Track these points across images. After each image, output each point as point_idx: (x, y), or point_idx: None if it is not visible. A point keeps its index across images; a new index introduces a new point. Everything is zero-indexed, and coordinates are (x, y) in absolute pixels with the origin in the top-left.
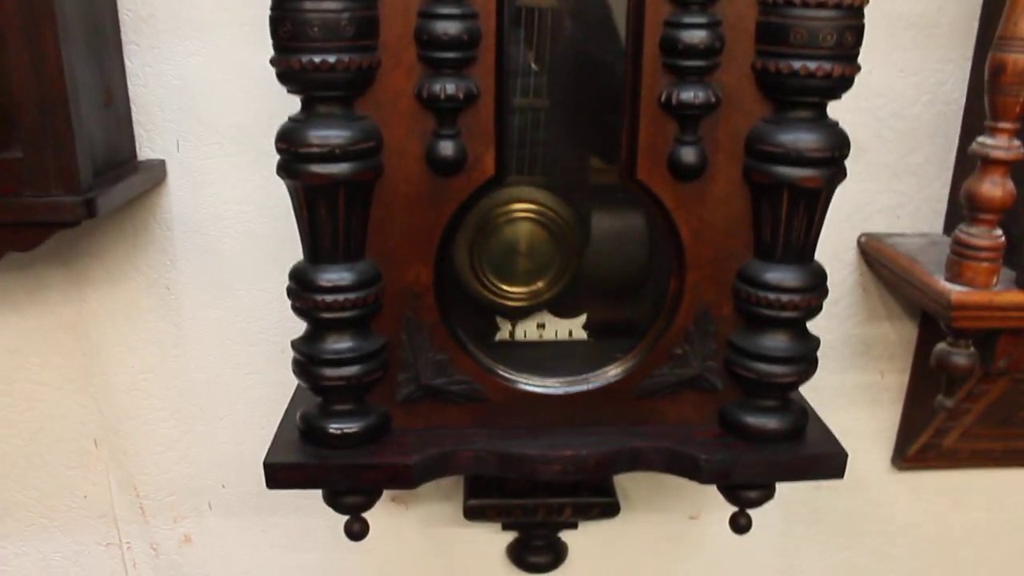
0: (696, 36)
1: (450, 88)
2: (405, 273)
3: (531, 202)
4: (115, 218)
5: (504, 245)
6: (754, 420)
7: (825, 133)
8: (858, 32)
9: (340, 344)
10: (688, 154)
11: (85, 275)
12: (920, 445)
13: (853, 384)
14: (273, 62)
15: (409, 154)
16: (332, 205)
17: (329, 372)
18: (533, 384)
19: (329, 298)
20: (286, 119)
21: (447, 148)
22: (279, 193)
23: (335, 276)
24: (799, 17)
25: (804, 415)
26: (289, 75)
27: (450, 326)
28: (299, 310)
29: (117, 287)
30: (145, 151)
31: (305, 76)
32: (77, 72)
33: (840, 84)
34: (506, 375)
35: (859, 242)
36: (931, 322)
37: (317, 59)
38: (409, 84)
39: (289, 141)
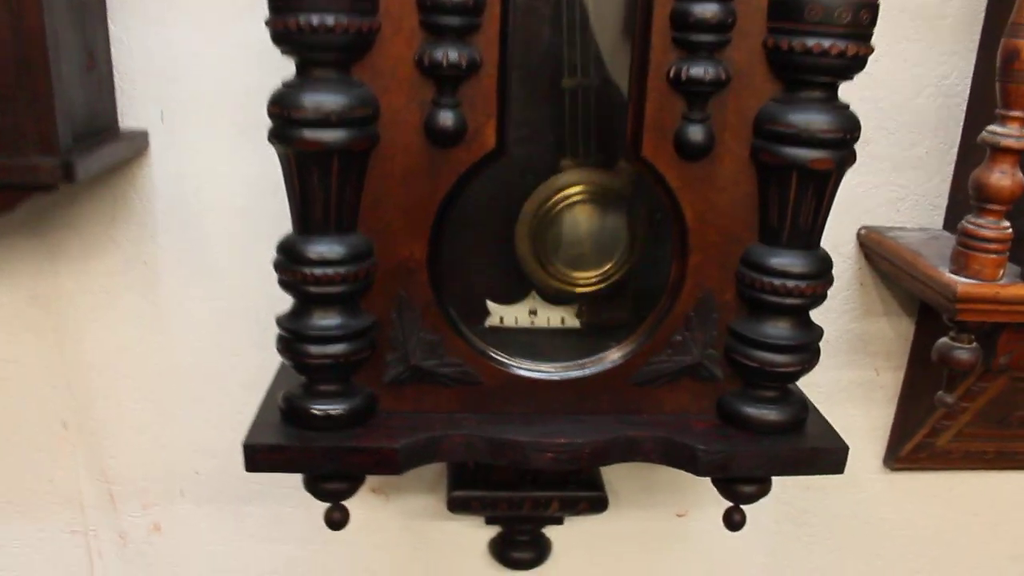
0: (708, 10)
1: (452, 55)
2: (399, 249)
3: (587, 184)
4: (93, 188)
5: (567, 232)
6: (754, 411)
7: (837, 114)
8: (873, 11)
9: (327, 320)
10: (695, 132)
11: (60, 247)
12: (913, 445)
13: (848, 381)
14: (268, 22)
15: (407, 124)
16: (325, 174)
17: (314, 350)
18: (527, 368)
19: (318, 271)
20: (279, 84)
21: (447, 118)
22: (266, 168)
23: (325, 249)
24: None
25: (805, 407)
26: (284, 36)
27: (443, 306)
28: (286, 283)
29: (93, 261)
30: (128, 120)
31: (301, 38)
32: (59, 32)
33: (854, 64)
34: (499, 358)
35: (859, 235)
36: (929, 318)
37: (315, 20)
38: (409, 51)
39: (282, 105)
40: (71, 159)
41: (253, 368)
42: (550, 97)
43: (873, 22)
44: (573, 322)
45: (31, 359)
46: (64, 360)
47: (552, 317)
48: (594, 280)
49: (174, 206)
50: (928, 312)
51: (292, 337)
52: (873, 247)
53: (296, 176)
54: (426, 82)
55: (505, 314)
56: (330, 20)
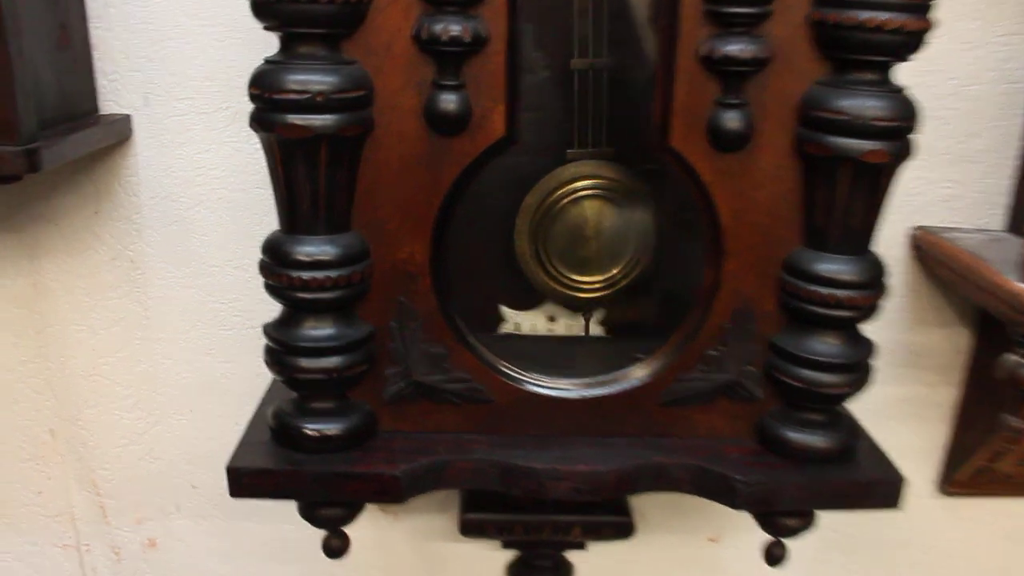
0: None
1: (455, 29)
2: (397, 249)
3: (597, 177)
4: (74, 179)
5: (571, 230)
6: (797, 436)
7: (892, 99)
8: None
9: (319, 330)
10: (731, 119)
11: (39, 243)
12: (973, 469)
13: (898, 397)
14: None
15: (405, 107)
16: (312, 164)
17: (306, 363)
18: (543, 385)
19: (307, 275)
20: (262, 61)
21: (449, 101)
22: (261, 157)
23: (315, 249)
24: None
25: (855, 432)
26: (265, 8)
27: (448, 314)
28: (272, 288)
29: (75, 258)
30: (108, 104)
31: (284, 9)
32: (21, 1)
33: (911, 41)
34: (512, 373)
35: (912, 236)
36: (990, 330)
37: None
38: (407, 23)
39: (263, 86)
40: (36, 147)
41: (249, 375)
42: (557, 79)
43: None
44: (596, 329)
45: (13, 363)
46: (48, 365)
47: (573, 324)
48: (599, 285)
49: (161, 198)
50: (989, 323)
51: (281, 348)
52: (927, 250)
53: (280, 165)
54: (426, 60)
55: (521, 321)
56: None
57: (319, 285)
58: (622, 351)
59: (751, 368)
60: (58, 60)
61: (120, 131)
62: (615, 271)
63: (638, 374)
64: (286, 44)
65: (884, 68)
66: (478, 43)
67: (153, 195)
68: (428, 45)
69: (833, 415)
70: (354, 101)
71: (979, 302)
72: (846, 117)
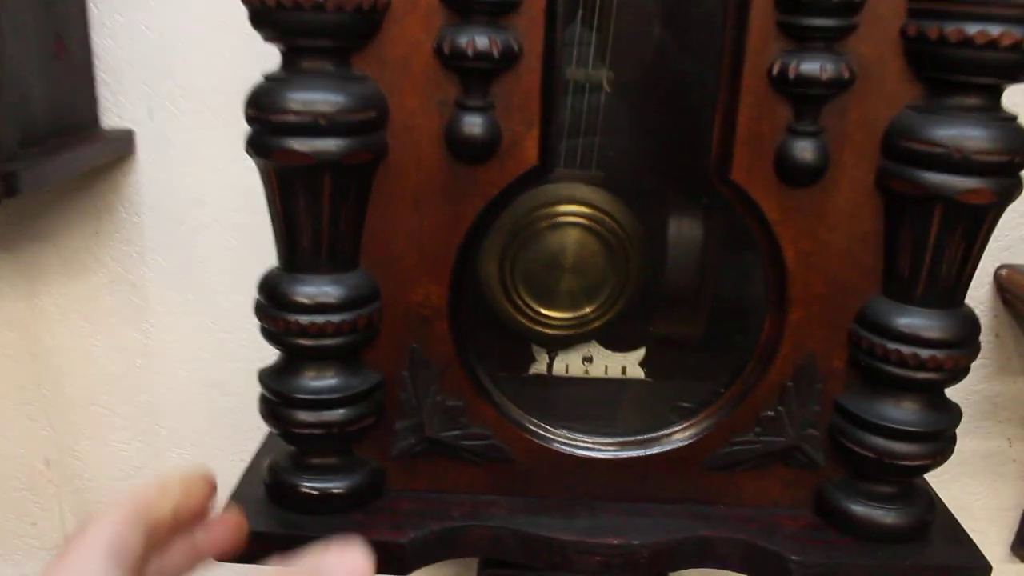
0: None
1: (482, 42)
2: (412, 290)
3: (583, 204)
4: (73, 197)
5: (545, 258)
6: (864, 510)
7: (1001, 129)
8: None
9: (321, 380)
10: (804, 149)
11: (36, 264)
12: None
13: (973, 451)
14: None
15: (423, 131)
16: (315, 195)
17: (305, 416)
18: (573, 444)
19: (307, 319)
20: (261, 78)
21: (475, 125)
22: None
23: (316, 290)
24: None
25: (931, 507)
26: (263, 16)
27: (467, 363)
28: (269, 333)
29: (74, 281)
30: (111, 117)
31: (285, 17)
32: (8, 6)
33: None
34: (538, 430)
35: (997, 275)
36: None
37: None
38: (427, 35)
39: (260, 106)
40: (14, 169)
41: (255, 408)
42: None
43: None
44: (637, 372)
45: (7, 389)
46: (43, 392)
47: (611, 366)
48: (567, 322)
49: (166, 220)
50: None
51: (278, 399)
52: (1016, 291)
53: (278, 197)
54: (449, 77)
55: (555, 361)
56: None
57: (321, 331)
58: (664, 398)
59: (812, 432)
60: (52, 71)
61: (122, 147)
62: (588, 310)
63: (682, 434)
64: (288, 58)
65: (992, 92)
66: (509, 58)
67: (157, 216)
68: (451, 60)
69: (906, 487)
70: (364, 124)
71: None
72: (943, 149)
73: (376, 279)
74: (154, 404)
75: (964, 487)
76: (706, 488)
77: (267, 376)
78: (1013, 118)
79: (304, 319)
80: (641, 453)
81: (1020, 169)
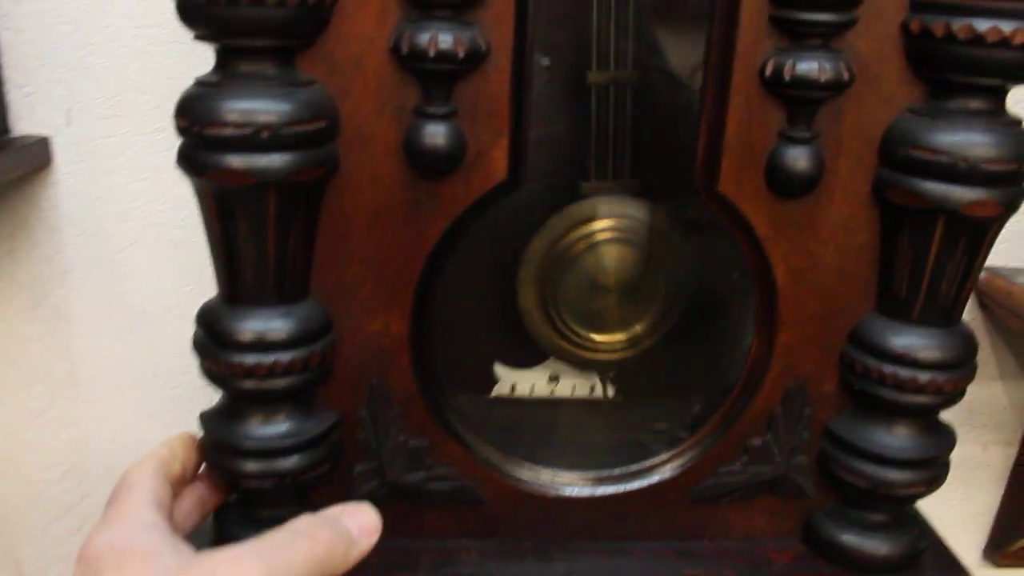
0: None
1: (445, 40)
2: (369, 320)
3: (619, 217)
4: None
5: (587, 280)
6: (855, 539)
7: (1008, 135)
8: None
9: (271, 427)
10: (797, 157)
11: None
12: None
13: None
14: None
15: (379, 141)
16: (259, 218)
17: (254, 466)
18: (548, 481)
19: (253, 359)
20: (192, 82)
21: (437, 134)
22: None
23: (263, 325)
24: None
25: (924, 534)
26: (193, 10)
27: (432, 398)
28: (211, 374)
29: None
30: (22, 123)
31: (218, 13)
32: None
33: None
34: (509, 468)
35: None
36: None
37: None
38: (382, 32)
39: (193, 116)
40: None
41: None
42: (570, 96)
43: None
44: (607, 391)
45: None
46: None
47: (579, 385)
48: (620, 346)
49: (89, 236)
50: None
51: (222, 448)
52: (994, 296)
53: (216, 221)
54: (407, 80)
55: (518, 381)
56: None
57: (269, 371)
58: (638, 418)
59: (802, 458)
60: None
61: (36, 156)
62: (639, 329)
63: (664, 467)
64: (223, 60)
65: (997, 94)
66: (475, 58)
67: (79, 232)
68: (410, 61)
69: (899, 515)
70: (313, 135)
71: None
72: (947, 157)
73: (329, 309)
74: (82, 438)
75: (937, 493)
76: (690, 522)
77: (210, 421)
78: (1018, 122)
79: (250, 359)
80: (621, 489)
81: (1009, 178)
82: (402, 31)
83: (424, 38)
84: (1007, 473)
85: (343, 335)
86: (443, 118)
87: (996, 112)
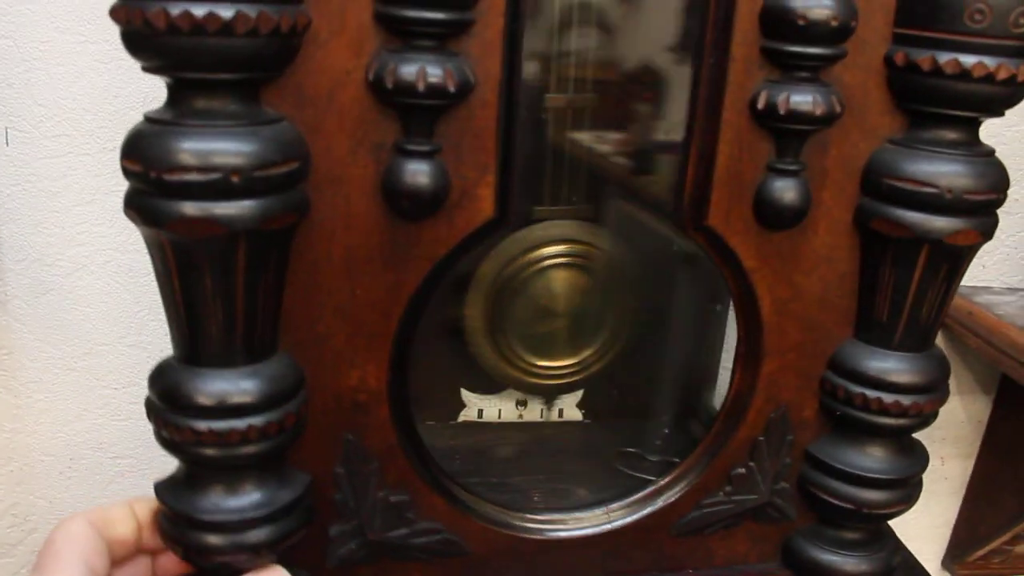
0: (819, 5)
1: (435, 73)
2: (344, 373)
3: (571, 242)
4: None
5: (536, 305)
6: (831, 558)
7: (987, 166)
8: None
9: (239, 498)
10: (786, 189)
11: None
12: (987, 551)
13: None
14: (114, 13)
15: (354, 182)
16: (226, 271)
17: (218, 541)
18: (533, 525)
19: (220, 426)
20: (141, 118)
21: (419, 173)
22: None
23: (230, 387)
24: None
25: (897, 550)
26: (144, 40)
27: (412, 450)
28: (169, 443)
29: None
30: None
31: (176, 44)
32: None
33: (1017, 93)
34: (493, 514)
35: None
36: (1009, 398)
37: (197, 11)
38: (358, 63)
39: (146, 159)
40: None
41: (151, 471)
42: (525, 118)
43: None
44: (575, 414)
45: None
46: None
47: (546, 409)
48: (569, 371)
49: (31, 261)
50: (1009, 391)
51: (181, 521)
52: (955, 315)
53: (176, 276)
54: (386, 115)
55: (485, 406)
56: (225, 11)
57: (242, 438)
58: (604, 439)
59: (784, 485)
60: None
61: None
62: (588, 354)
63: (648, 502)
64: (178, 95)
65: (973, 125)
66: (464, 92)
67: (20, 257)
68: (394, 95)
69: (874, 532)
70: (285, 178)
71: (1008, 372)
72: (934, 189)
73: (299, 363)
74: (28, 473)
75: None
76: (673, 555)
77: (165, 491)
78: (992, 152)
79: (216, 425)
80: (605, 528)
81: (1000, 206)
82: (384, 63)
83: (410, 71)
84: (965, 485)
85: (314, 389)
86: (426, 155)
87: (973, 143)
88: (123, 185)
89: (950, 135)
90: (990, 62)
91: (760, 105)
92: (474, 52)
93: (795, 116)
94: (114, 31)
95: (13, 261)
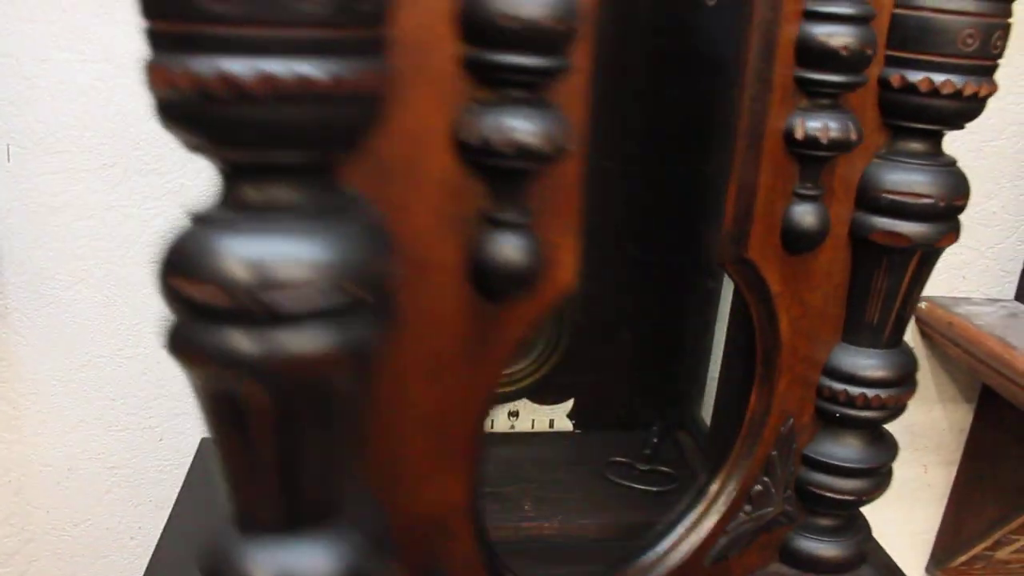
0: (843, 34)
1: (527, 130)
2: (422, 491)
3: None
4: None
5: None
6: (807, 545)
7: (958, 174)
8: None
9: None
10: (807, 213)
11: None
12: (969, 556)
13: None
14: (151, 72)
15: (442, 264)
16: (314, 421)
17: None
18: None
19: None
20: (188, 222)
21: (511, 246)
22: (157, 223)
23: (299, 561)
24: (975, 14)
25: (869, 535)
26: (189, 111)
27: (495, 567)
28: None
29: None
30: None
31: (233, 113)
32: None
33: (979, 108)
34: None
35: (917, 309)
36: (991, 407)
37: (244, 73)
38: (443, 120)
39: (190, 271)
40: None
41: (146, 482)
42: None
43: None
44: (565, 425)
45: None
46: None
47: (538, 419)
48: (520, 374)
49: (32, 275)
50: (990, 399)
51: None
52: (934, 324)
53: (270, 428)
54: (471, 182)
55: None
56: (305, 69)
57: None
58: (595, 448)
59: (790, 491)
60: None
61: None
62: (520, 366)
63: (683, 543)
64: (233, 180)
65: (939, 137)
66: (561, 151)
67: (21, 271)
68: (481, 157)
69: (848, 519)
70: (380, 285)
71: (987, 381)
72: (929, 200)
73: (376, 494)
74: (26, 483)
75: (881, 513)
76: None
77: None
78: (954, 162)
79: None
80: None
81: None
82: (477, 118)
83: (511, 125)
84: (948, 492)
85: (391, 514)
86: (519, 227)
87: (939, 153)
88: (123, 200)
89: (922, 147)
90: (974, 82)
91: (799, 135)
92: (564, 99)
93: (831, 144)
94: (116, 50)
95: (14, 275)
